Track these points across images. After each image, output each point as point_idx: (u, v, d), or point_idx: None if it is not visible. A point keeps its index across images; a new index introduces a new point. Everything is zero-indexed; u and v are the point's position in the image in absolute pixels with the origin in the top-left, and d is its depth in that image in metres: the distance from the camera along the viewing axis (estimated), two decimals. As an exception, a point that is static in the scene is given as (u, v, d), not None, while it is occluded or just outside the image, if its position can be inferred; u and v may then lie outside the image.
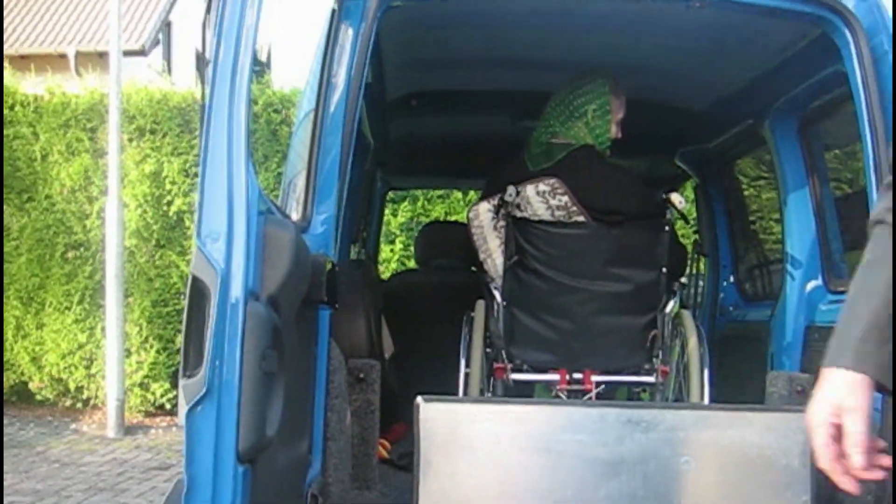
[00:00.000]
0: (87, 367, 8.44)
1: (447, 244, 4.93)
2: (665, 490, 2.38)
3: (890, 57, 2.59)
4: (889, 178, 1.47)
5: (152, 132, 8.42)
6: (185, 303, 1.58)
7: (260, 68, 9.05)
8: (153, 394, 8.39)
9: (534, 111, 3.58)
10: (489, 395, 3.51)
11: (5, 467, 6.38)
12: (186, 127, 8.41)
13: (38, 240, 8.46)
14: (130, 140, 8.38)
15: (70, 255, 8.50)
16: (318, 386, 2.13)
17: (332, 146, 2.21)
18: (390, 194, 7.20)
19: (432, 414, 2.34)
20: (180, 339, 6.39)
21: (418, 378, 4.12)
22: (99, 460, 6.79)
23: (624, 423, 2.38)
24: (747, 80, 3.67)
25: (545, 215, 3.30)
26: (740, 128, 4.06)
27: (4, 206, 8.54)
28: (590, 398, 3.45)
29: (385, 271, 7.78)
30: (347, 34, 2.32)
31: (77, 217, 8.47)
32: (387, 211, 7.26)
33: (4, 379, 8.60)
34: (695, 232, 5.08)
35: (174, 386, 8.30)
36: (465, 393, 3.43)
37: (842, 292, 2.90)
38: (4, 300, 8.44)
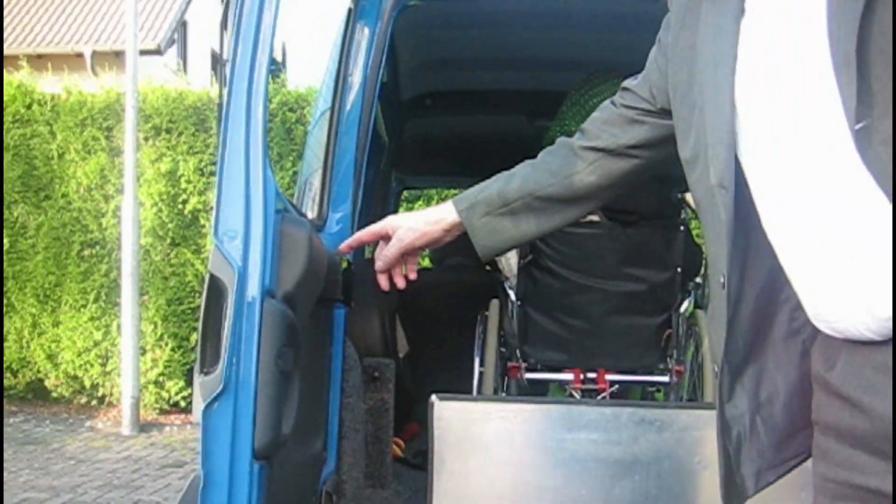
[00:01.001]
0: (103, 365, 8.48)
1: (462, 243, 4.92)
2: (678, 490, 2.38)
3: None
4: None
5: (168, 131, 8.45)
6: (202, 300, 1.59)
7: (275, 67, 9.07)
8: (168, 391, 8.42)
9: (550, 110, 3.58)
10: (503, 394, 3.52)
11: (21, 464, 6.43)
12: (202, 126, 8.44)
13: (54, 238, 8.50)
14: (146, 139, 8.42)
15: (86, 253, 8.54)
16: (332, 384, 2.14)
17: (348, 146, 2.22)
18: (405, 193, 7.21)
19: (447, 413, 2.35)
20: (195, 337, 6.46)
21: (432, 377, 4.13)
22: (114, 457, 6.82)
23: (637, 423, 2.38)
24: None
25: (559, 214, 3.30)
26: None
27: (21, 205, 8.59)
28: (603, 398, 3.46)
29: (399, 270, 7.76)
30: (363, 33, 2.33)
31: (93, 215, 8.51)
32: (401, 209, 7.27)
33: (21, 376, 8.65)
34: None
35: (189, 384, 8.33)
36: (480, 392, 3.44)
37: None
38: (21, 298, 8.50)
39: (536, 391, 3.49)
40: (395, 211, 6.15)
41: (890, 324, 1.21)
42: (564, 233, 3.30)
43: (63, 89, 8.79)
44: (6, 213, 8.47)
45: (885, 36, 1.20)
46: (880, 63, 1.19)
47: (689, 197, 3.30)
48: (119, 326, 8.11)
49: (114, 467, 6.49)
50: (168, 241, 8.44)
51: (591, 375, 3.44)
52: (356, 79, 2.30)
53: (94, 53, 15.29)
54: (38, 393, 8.78)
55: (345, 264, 2.04)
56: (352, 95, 2.29)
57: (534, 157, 1.86)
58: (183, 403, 8.45)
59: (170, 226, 8.41)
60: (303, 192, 2.88)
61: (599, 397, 3.43)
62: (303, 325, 1.67)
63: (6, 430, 7.52)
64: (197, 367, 1.54)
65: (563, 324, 3.38)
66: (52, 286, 8.49)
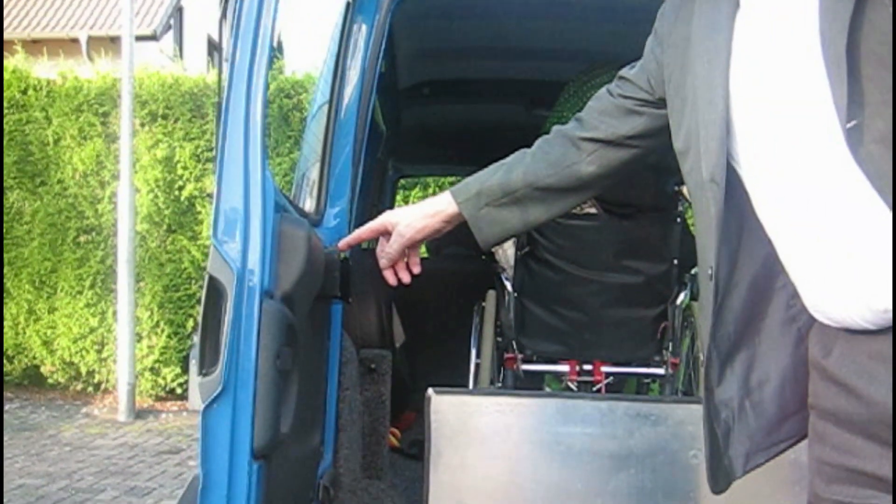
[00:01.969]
0: (99, 352, 8.48)
1: (458, 232, 4.92)
2: (673, 483, 2.40)
3: None
4: None
5: (164, 117, 8.43)
6: (201, 302, 1.60)
7: (272, 54, 9.04)
8: (164, 378, 8.43)
9: (549, 100, 3.58)
10: (499, 384, 3.53)
11: (17, 450, 6.44)
12: (198, 112, 8.42)
13: (50, 224, 8.49)
14: (142, 125, 8.40)
15: (82, 239, 8.53)
16: (330, 379, 2.15)
17: (346, 140, 2.22)
18: (401, 180, 7.21)
19: (443, 406, 2.36)
20: (191, 324, 6.45)
21: (429, 366, 4.14)
22: (110, 444, 6.84)
23: (633, 417, 2.39)
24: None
25: (557, 207, 3.30)
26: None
27: (17, 191, 8.57)
28: (599, 389, 3.47)
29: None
30: (362, 28, 2.32)
31: (89, 201, 8.50)
32: (398, 197, 7.27)
33: (17, 363, 8.65)
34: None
35: (185, 370, 8.35)
36: (476, 383, 3.45)
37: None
38: (17, 284, 8.49)
39: (532, 382, 3.50)
40: (392, 199, 6.15)
41: (887, 315, 1.23)
42: (561, 225, 3.30)
43: (59, 74, 8.75)
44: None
45: (876, 36, 1.21)
46: (871, 63, 1.21)
47: (685, 190, 3.30)
48: (115, 313, 8.12)
49: (110, 454, 6.50)
50: (164, 227, 8.44)
51: (588, 367, 3.45)
52: (354, 73, 2.30)
53: (90, 39, 15.23)
54: (33, 379, 8.78)
55: (342, 260, 2.04)
56: (349, 90, 2.29)
57: (531, 146, 1.85)
58: (179, 390, 8.46)
59: (166, 212, 8.40)
60: (300, 186, 2.88)
61: (595, 389, 3.45)
62: (301, 323, 1.68)
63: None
64: (196, 367, 1.54)
65: (560, 315, 3.39)
66: (48, 272, 8.48)
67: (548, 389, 3.91)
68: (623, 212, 3.30)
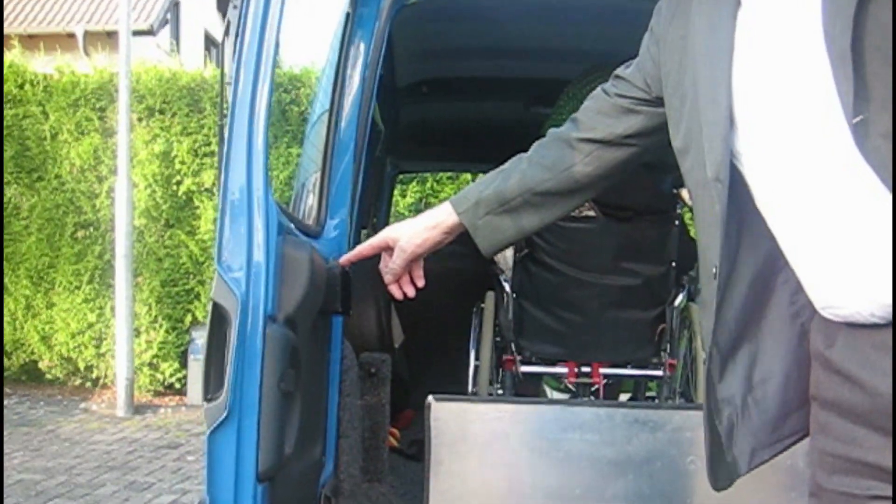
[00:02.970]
0: (97, 347, 8.49)
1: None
2: (671, 489, 2.41)
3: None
4: None
5: (161, 112, 8.42)
6: (206, 328, 1.60)
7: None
8: (162, 373, 8.44)
9: (547, 98, 3.59)
10: (498, 385, 3.55)
11: (16, 446, 6.45)
12: (195, 107, 8.41)
13: (47, 219, 8.48)
14: (140, 120, 8.39)
15: (80, 234, 8.52)
16: (331, 389, 2.16)
17: (346, 151, 2.22)
18: (400, 175, 7.20)
19: (443, 413, 2.37)
20: (189, 319, 6.44)
21: (428, 364, 4.15)
22: (108, 439, 6.85)
23: (631, 423, 2.40)
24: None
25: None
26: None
27: (14, 186, 8.56)
28: (597, 390, 3.49)
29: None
30: (361, 39, 2.32)
31: (87, 196, 8.49)
32: (396, 191, 7.26)
33: (15, 358, 8.66)
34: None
35: (183, 365, 8.36)
36: (475, 384, 3.46)
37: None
38: (15, 279, 8.48)
39: (531, 384, 3.52)
40: (391, 194, 6.15)
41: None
42: (560, 227, 3.31)
43: (56, 69, 8.73)
44: (-2, 195, 8.45)
45: (880, 32, 1.22)
46: (876, 59, 1.21)
47: (683, 193, 3.32)
48: (113, 308, 8.12)
49: (108, 449, 6.51)
50: (162, 222, 8.43)
51: (586, 369, 3.46)
52: (354, 83, 2.30)
53: (87, 34, 15.17)
54: (31, 375, 8.79)
55: (343, 273, 2.04)
56: (349, 101, 2.29)
57: (529, 143, 1.86)
58: (178, 385, 8.47)
59: (164, 207, 8.39)
60: (300, 197, 2.88)
61: (593, 390, 3.47)
62: (303, 341, 1.69)
63: (-1, 411, 7.54)
64: (202, 393, 1.56)
65: (558, 317, 3.41)
66: (46, 268, 8.48)
67: (546, 389, 3.93)
68: (621, 215, 3.31)
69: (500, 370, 3.55)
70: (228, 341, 1.53)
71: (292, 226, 1.80)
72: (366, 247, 1.87)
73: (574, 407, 2.45)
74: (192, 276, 8.40)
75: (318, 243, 2.06)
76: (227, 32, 1.55)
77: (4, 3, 16.09)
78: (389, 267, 1.85)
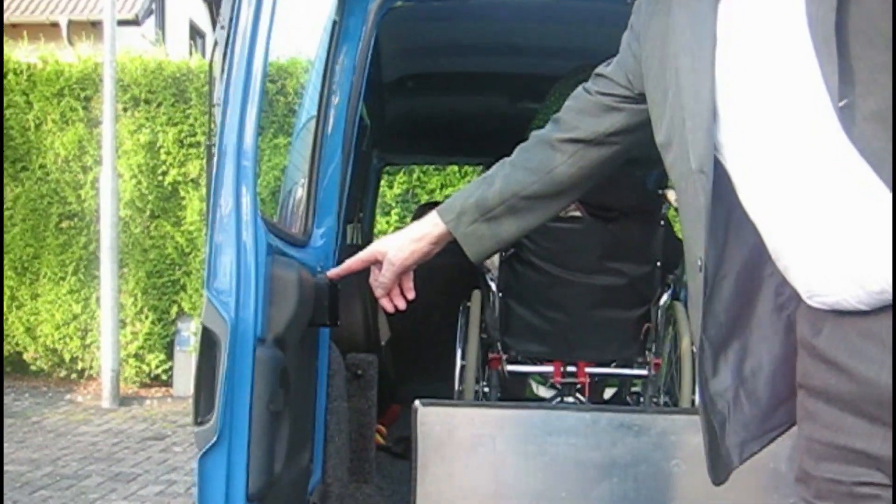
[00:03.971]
0: (82, 338, 8.46)
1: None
2: (655, 492, 2.44)
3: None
4: None
5: (147, 102, 8.37)
6: (196, 352, 1.61)
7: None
8: (148, 364, 8.43)
9: (533, 93, 3.59)
10: (484, 384, 3.56)
11: (0, 437, 6.44)
12: (181, 97, 8.37)
13: (32, 210, 8.44)
14: (125, 110, 8.34)
15: (64, 225, 8.48)
16: (319, 397, 2.17)
17: (332, 159, 2.22)
18: (386, 167, 7.19)
19: (429, 417, 2.39)
20: (175, 310, 6.40)
21: (415, 359, 4.16)
22: (94, 430, 6.85)
23: (616, 427, 2.42)
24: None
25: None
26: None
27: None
28: (581, 389, 3.51)
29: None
30: (348, 47, 2.32)
31: (71, 187, 8.45)
32: (382, 182, 7.25)
33: (-1, 349, 8.63)
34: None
35: (169, 357, 8.35)
36: (461, 383, 3.48)
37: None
38: (-1, 270, 8.46)
39: (517, 382, 3.54)
40: (377, 187, 6.15)
41: (882, 296, 1.24)
42: (546, 227, 3.30)
43: (39, 59, 8.67)
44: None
45: (862, 14, 1.22)
46: (858, 42, 1.22)
47: (669, 193, 3.33)
48: (98, 299, 8.09)
49: (94, 440, 6.51)
50: (147, 213, 8.40)
51: (571, 368, 3.48)
52: (341, 92, 2.30)
53: (70, 23, 15.04)
54: (16, 366, 8.75)
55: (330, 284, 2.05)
56: (335, 109, 2.29)
57: (514, 136, 1.85)
58: (164, 376, 8.46)
59: (149, 198, 8.36)
60: (286, 205, 2.88)
61: (578, 389, 3.49)
62: (291, 357, 1.69)
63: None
64: (192, 417, 1.56)
65: (544, 316, 3.42)
66: (31, 258, 8.44)
67: (532, 383, 3.95)
68: (607, 215, 3.33)
69: (486, 368, 3.57)
70: (218, 365, 1.54)
71: (280, 244, 1.80)
72: (355, 261, 1.87)
73: (559, 411, 2.47)
74: (177, 267, 8.38)
75: (305, 253, 2.06)
76: (214, 50, 1.55)
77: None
78: (379, 281, 1.85)
